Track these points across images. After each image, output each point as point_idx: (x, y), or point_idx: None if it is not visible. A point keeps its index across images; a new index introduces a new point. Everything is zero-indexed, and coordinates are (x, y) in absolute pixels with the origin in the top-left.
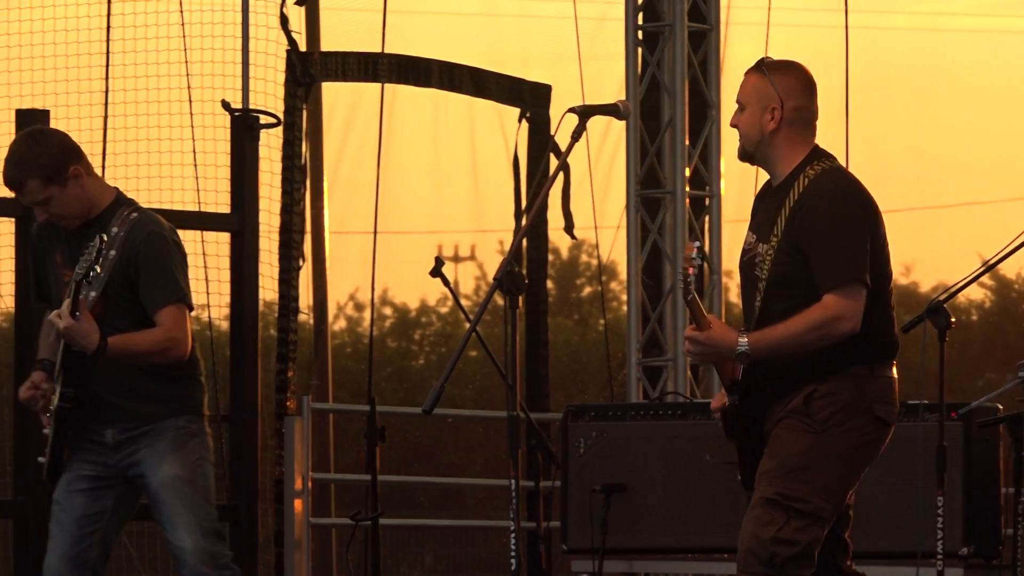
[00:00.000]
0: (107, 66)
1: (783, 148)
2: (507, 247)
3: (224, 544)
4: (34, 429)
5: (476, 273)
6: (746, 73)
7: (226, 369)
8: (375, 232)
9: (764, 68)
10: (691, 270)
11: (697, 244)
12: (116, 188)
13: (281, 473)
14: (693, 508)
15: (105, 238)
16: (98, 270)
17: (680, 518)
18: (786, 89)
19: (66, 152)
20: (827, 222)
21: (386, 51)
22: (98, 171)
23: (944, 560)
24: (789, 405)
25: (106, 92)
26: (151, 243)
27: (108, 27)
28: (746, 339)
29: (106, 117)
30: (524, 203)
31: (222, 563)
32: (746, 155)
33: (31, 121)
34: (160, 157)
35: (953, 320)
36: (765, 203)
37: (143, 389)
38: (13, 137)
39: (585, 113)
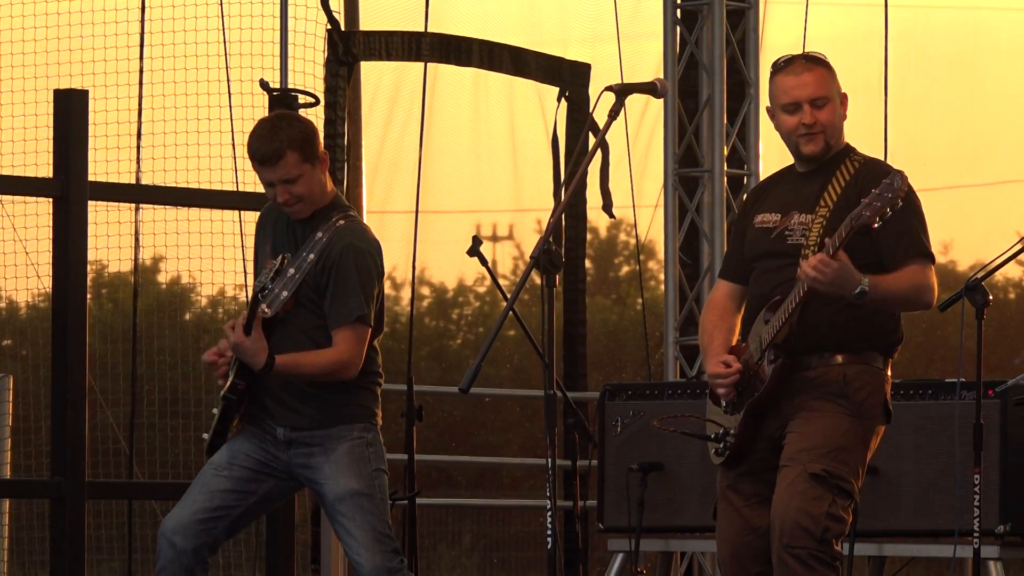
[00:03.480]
0: (142, 46)
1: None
2: (545, 226)
3: (400, 557)
4: (70, 409)
5: (514, 253)
6: (806, 66)
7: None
8: (416, 212)
9: (826, 62)
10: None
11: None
12: (337, 192)
13: None
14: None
15: (287, 258)
16: (292, 271)
17: (716, 497)
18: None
19: (318, 135)
20: (903, 197)
21: (428, 30)
22: (133, 151)
23: (980, 538)
24: (824, 386)
25: (141, 72)
26: (346, 256)
27: (143, 7)
28: (867, 279)
29: (141, 97)
30: (563, 182)
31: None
32: (826, 151)
33: (69, 101)
34: (199, 137)
35: (991, 298)
36: (792, 186)
37: (316, 394)
38: (52, 117)
39: (623, 92)
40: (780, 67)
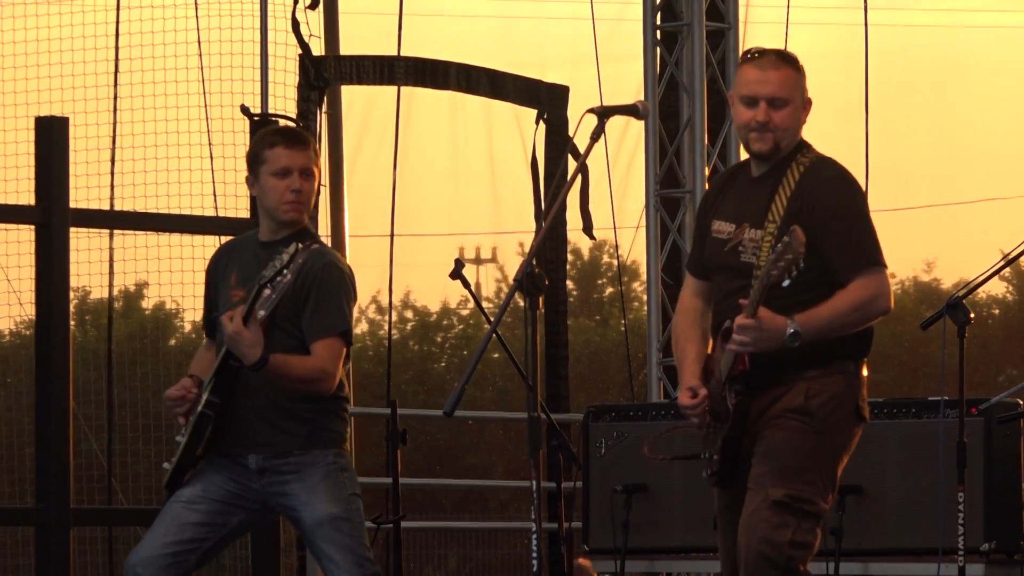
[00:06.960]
0: (116, 72)
1: (796, 140)
2: (527, 249)
3: None
4: (53, 437)
5: (497, 275)
6: (774, 63)
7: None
8: (392, 235)
9: (796, 63)
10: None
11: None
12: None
13: None
14: (714, 507)
15: (301, 246)
16: (268, 291)
17: (701, 517)
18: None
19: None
20: (844, 206)
21: (403, 54)
22: (107, 176)
23: (965, 556)
24: (786, 403)
25: (115, 98)
26: (328, 273)
27: (117, 34)
28: (795, 321)
29: (115, 123)
30: (543, 205)
31: None
32: (775, 152)
33: (50, 129)
34: (178, 163)
35: (973, 316)
36: (744, 189)
37: (288, 417)
38: (32, 144)
39: (604, 114)
40: (749, 58)
